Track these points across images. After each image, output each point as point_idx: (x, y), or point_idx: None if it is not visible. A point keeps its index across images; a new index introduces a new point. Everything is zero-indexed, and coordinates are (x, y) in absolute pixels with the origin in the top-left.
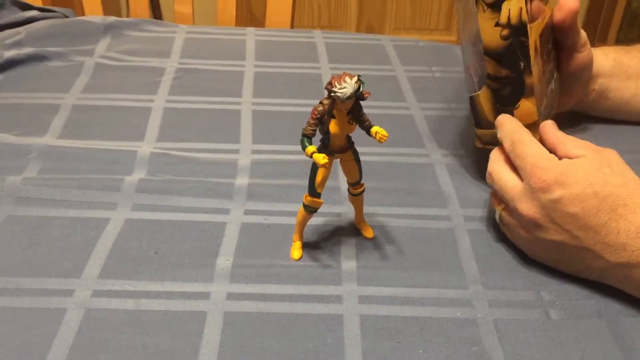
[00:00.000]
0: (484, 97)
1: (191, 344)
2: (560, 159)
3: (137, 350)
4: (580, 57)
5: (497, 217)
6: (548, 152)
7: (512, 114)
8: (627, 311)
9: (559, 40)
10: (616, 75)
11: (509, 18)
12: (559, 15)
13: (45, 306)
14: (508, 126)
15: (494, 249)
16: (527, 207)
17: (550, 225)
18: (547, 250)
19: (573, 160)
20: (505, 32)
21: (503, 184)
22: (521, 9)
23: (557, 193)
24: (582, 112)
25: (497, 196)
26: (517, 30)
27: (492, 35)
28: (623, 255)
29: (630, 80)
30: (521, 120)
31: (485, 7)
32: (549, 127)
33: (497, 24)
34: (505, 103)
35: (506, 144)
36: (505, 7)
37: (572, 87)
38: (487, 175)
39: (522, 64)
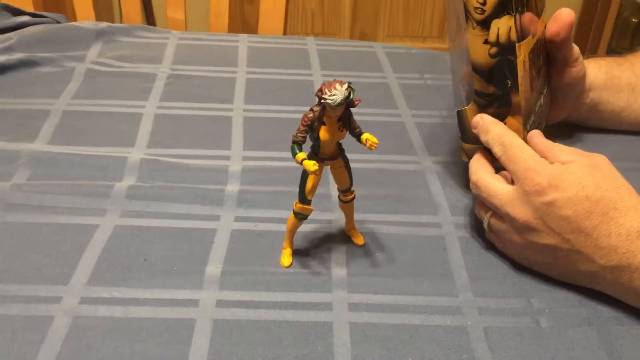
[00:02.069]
0: (470, 112)
1: (180, 352)
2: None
3: (125, 358)
4: (573, 71)
5: (485, 224)
6: (539, 156)
7: None
8: (617, 319)
9: (551, 54)
10: (608, 88)
11: (497, 36)
12: (554, 28)
13: (32, 313)
14: (495, 130)
15: (484, 256)
16: (519, 211)
17: (543, 229)
18: (538, 255)
19: (565, 165)
20: (494, 50)
21: (492, 191)
22: (510, 28)
23: (550, 196)
24: (573, 123)
25: (484, 205)
26: (506, 49)
27: (480, 52)
28: (613, 258)
29: (622, 92)
30: None
31: (474, 24)
32: (536, 136)
33: (485, 42)
34: None
35: (496, 148)
36: (494, 25)
37: (563, 100)
38: (471, 186)
39: (510, 83)
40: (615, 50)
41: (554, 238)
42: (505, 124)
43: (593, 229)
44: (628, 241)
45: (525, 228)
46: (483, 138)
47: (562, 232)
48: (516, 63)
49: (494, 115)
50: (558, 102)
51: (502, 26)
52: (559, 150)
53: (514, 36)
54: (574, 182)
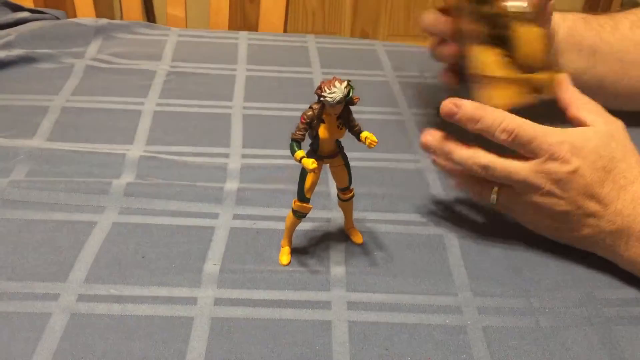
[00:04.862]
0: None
1: (177, 350)
2: (570, 118)
3: (122, 356)
4: None
5: (493, 200)
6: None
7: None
8: (617, 319)
9: None
10: (568, 44)
11: None
12: None
13: (29, 310)
14: (488, 117)
15: (484, 255)
16: (542, 182)
17: (562, 196)
18: (548, 220)
19: (583, 130)
20: None
21: (510, 168)
22: None
23: (573, 165)
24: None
25: (486, 183)
26: None
27: None
28: (616, 221)
29: (581, 52)
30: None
31: None
32: (567, 82)
33: None
34: None
35: (500, 135)
36: None
37: None
38: (483, 168)
39: None
40: None
41: (570, 205)
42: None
43: (605, 195)
44: (632, 205)
45: (544, 197)
46: (472, 127)
47: (578, 200)
48: None
49: None
50: None
51: None
52: (583, 104)
53: None
54: (593, 151)
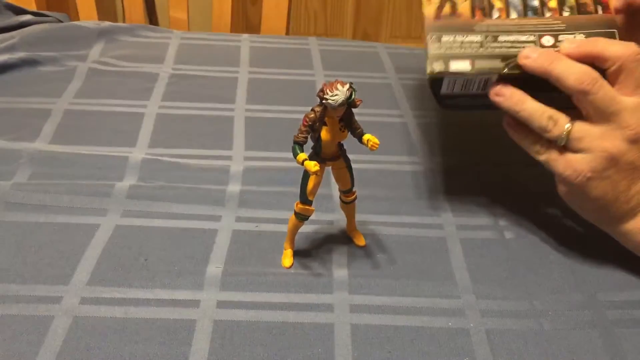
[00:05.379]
0: None
1: (180, 353)
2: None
3: (125, 359)
4: None
5: (566, 129)
6: None
7: None
8: (621, 322)
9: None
10: None
11: None
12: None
13: (32, 313)
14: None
15: (487, 258)
16: (635, 121)
17: None
18: (614, 170)
19: None
20: None
21: (615, 95)
22: None
23: None
24: None
25: (579, 108)
26: None
27: None
28: None
29: None
30: None
31: None
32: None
33: None
34: None
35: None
36: None
37: None
38: (584, 82)
39: None
40: None
41: None
42: None
43: None
44: None
45: (628, 139)
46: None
47: None
48: None
49: None
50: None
51: None
52: None
53: None
54: None
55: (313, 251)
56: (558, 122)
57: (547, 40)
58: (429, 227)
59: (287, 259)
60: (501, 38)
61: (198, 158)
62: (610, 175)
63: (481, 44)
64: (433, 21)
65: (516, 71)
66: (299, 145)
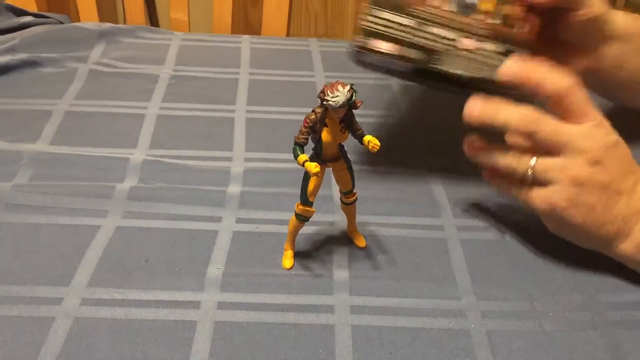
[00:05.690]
0: None
1: (181, 354)
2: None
3: None
4: (576, 15)
5: (530, 169)
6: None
7: None
8: (622, 323)
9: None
10: (635, 42)
11: None
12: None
13: (33, 314)
14: (544, 74)
15: (487, 259)
16: (591, 145)
17: (606, 164)
18: (585, 194)
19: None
20: None
21: (562, 127)
22: None
23: (616, 136)
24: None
25: (522, 154)
26: None
27: None
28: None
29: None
30: None
31: None
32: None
33: None
34: None
35: (560, 84)
36: None
37: (582, 44)
38: (532, 123)
39: None
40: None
41: (610, 175)
42: None
43: (632, 174)
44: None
45: (587, 164)
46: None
47: (618, 171)
48: None
49: None
50: (575, 46)
51: None
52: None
53: None
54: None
55: (314, 252)
56: (522, 161)
57: (468, 43)
58: (430, 228)
59: (288, 260)
60: (428, 29)
61: (199, 159)
62: (584, 200)
63: (409, 30)
64: None
65: (438, 67)
66: (299, 146)
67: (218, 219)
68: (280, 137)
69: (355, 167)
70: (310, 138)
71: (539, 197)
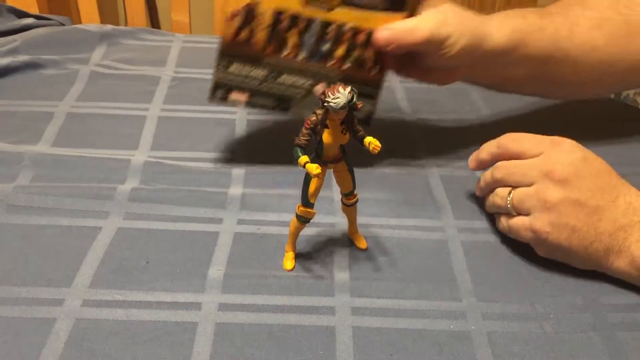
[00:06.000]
0: None
1: (182, 355)
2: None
3: None
4: (440, 54)
5: (509, 200)
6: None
7: None
8: (622, 325)
9: None
10: (512, 58)
11: None
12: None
13: (34, 315)
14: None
15: (488, 261)
16: (552, 166)
17: (575, 182)
18: (565, 217)
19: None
20: None
21: (527, 162)
22: None
23: (582, 153)
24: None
25: (499, 193)
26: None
27: None
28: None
29: (530, 63)
30: None
31: None
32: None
33: None
34: None
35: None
36: None
37: (454, 69)
38: (496, 174)
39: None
40: None
41: (585, 193)
42: None
43: (613, 187)
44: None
45: (559, 182)
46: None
47: (591, 188)
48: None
49: None
50: (442, 70)
51: None
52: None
53: None
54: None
55: (314, 254)
56: (502, 196)
57: (320, 87)
58: (431, 230)
59: (289, 262)
60: (282, 78)
61: (199, 161)
62: (565, 222)
63: (263, 80)
64: (228, 43)
65: (288, 111)
66: (300, 148)
67: (219, 221)
68: (282, 139)
69: (356, 169)
70: (311, 140)
71: (523, 226)
